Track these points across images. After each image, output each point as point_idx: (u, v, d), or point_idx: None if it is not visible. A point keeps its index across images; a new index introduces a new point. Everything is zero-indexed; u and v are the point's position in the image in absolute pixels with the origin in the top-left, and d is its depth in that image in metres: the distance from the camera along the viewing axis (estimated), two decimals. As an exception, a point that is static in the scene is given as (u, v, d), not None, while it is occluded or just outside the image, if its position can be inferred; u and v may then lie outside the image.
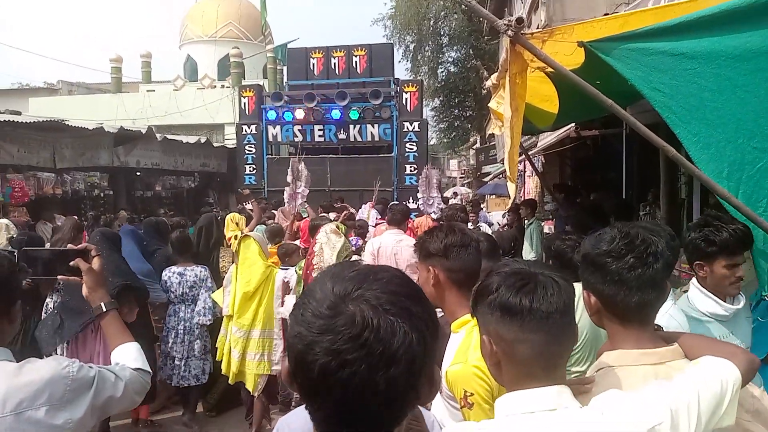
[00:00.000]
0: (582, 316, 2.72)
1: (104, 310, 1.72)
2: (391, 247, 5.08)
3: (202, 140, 15.59)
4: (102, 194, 13.80)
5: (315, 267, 4.09)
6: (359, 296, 0.77)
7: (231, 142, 18.56)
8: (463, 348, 1.75)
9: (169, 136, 14.61)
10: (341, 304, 0.77)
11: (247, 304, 4.42)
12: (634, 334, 1.40)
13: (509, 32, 2.10)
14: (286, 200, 8.65)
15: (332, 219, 5.39)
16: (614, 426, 1.08)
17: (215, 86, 20.41)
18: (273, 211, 8.51)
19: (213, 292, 4.87)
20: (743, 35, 1.94)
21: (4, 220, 6.33)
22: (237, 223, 6.62)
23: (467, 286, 1.67)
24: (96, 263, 1.73)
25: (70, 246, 1.91)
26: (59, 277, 1.74)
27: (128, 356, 1.70)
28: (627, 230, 1.40)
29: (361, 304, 0.76)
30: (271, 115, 15.01)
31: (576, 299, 2.78)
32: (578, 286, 2.84)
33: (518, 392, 1.16)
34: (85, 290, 1.72)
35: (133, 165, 13.83)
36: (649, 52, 2.06)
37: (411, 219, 6.92)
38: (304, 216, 7.89)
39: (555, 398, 1.14)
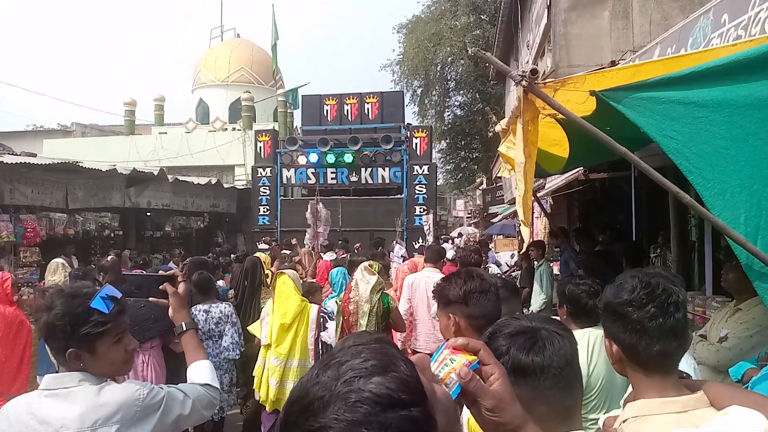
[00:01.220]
0: (598, 362, 2.69)
1: (184, 329, 1.98)
2: (423, 283, 5.49)
3: (213, 181, 15.80)
4: (112, 234, 13.92)
5: (351, 300, 4.50)
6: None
7: (240, 183, 18.77)
8: None
9: (180, 178, 14.82)
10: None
11: (284, 334, 4.74)
12: (657, 383, 1.39)
13: (523, 83, 2.16)
14: (307, 241, 9.18)
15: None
16: None
17: (226, 129, 20.81)
18: (285, 251, 8.86)
19: (249, 326, 5.26)
20: (753, 84, 1.98)
21: (59, 260, 6.71)
22: (264, 262, 7.09)
23: None
24: (181, 288, 2.00)
25: (161, 272, 2.23)
26: (150, 298, 2.01)
27: (200, 372, 1.92)
28: (648, 279, 1.41)
29: None
30: (287, 159, 15.58)
31: (591, 345, 2.76)
32: (595, 332, 2.81)
33: None
34: (170, 311, 1.98)
35: (144, 206, 13.99)
36: (660, 100, 2.10)
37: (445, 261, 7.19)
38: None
39: None
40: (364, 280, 4.55)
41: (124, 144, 19.94)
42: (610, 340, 1.45)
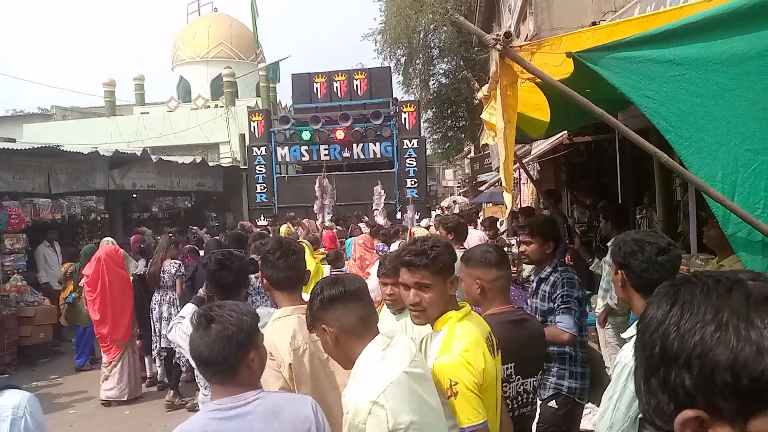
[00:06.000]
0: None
1: None
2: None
3: (198, 160, 15.63)
4: (98, 218, 13.74)
5: None
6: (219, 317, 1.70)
7: (226, 160, 18.59)
8: (447, 342, 1.89)
9: (164, 158, 14.63)
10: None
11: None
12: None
13: (498, 46, 2.12)
14: (316, 212, 10.16)
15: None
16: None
17: (209, 106, 20.47)
18: (283, 225, 9.78)
19: None
20: (729, 40, 1.96)
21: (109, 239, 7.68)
22: (287, 234, 8.49)
23: None
24: None
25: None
26: None
27: None
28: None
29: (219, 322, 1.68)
30: (280, 137, 16.06)
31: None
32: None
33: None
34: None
35: (128, 187, 13.81)
36: (636, 60, 2.07)
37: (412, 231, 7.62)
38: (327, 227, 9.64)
39: None
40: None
41: (105, 126, 19.56)
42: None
